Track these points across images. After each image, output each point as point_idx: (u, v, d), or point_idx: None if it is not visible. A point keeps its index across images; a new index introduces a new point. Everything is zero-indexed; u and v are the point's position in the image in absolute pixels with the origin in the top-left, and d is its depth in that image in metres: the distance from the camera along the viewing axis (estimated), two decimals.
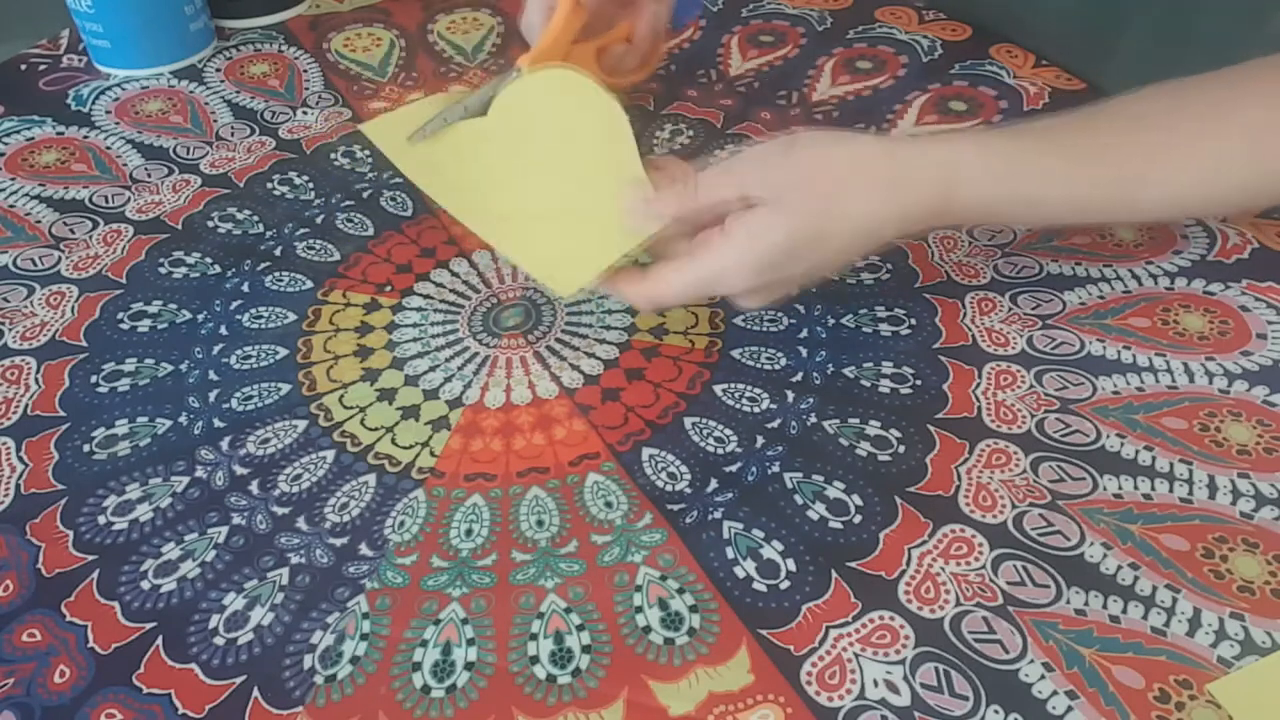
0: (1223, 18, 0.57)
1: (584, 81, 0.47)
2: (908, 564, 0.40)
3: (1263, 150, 0.45)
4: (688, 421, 0.46)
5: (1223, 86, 0.45)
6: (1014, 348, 0.49)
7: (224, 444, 0.46)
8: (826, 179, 0.43)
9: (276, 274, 0.55)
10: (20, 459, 0.45)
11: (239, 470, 0.45)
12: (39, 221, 0.58)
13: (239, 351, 0.50)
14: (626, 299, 0.46)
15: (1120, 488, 0.43)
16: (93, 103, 0.67)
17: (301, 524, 0.43)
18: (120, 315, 0.52)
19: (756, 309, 0.48)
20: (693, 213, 0.44)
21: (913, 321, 0.51)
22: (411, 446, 0.46)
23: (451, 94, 0.55)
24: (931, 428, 0.46)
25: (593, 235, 0.46)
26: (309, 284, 0.54)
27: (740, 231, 0.42)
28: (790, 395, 0.47)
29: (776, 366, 0.49)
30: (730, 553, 0.41)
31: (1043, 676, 0.37)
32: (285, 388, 0.49)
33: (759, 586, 0.40)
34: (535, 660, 0.38)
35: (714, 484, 0.44)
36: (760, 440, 0.46)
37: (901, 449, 0.45)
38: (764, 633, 0.38)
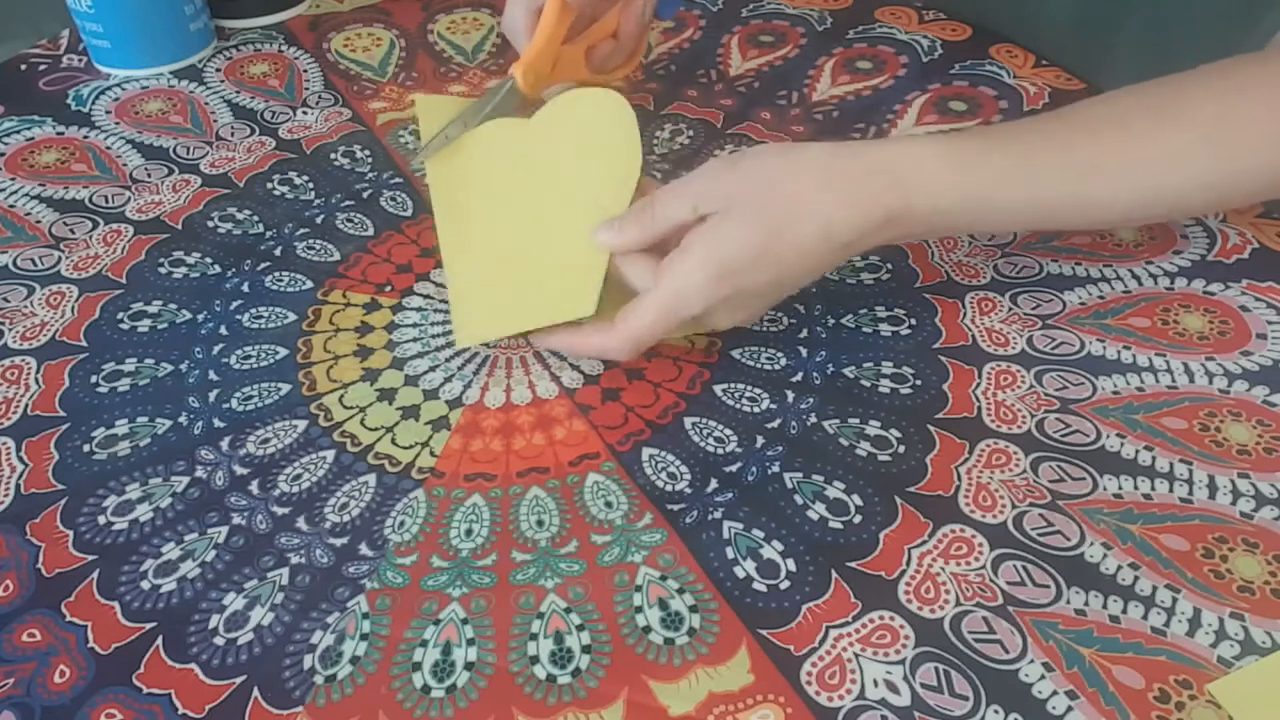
0: (1220, 18, 0.57)
1: (625, 116, 0.47)
2: (908, 564, 0.40)
3: (1221, 143, 0.44)
4: (688, 421, 0.46)
5: (1177, 86, 0.45)
6: (1014, 348, 0.49)
7: (224, 444, 0.46)
8: (776, 183, 0.43)
9: (276, 274, 0.55)
10: (20, 459, 0.45)
11: (239, 470, 0.45)
12: (39, 221, 0.58)
13: (239, 351, 0.50)
14: (602, 352, 0.46)
15: (1120, 488, 0.43)
16: (93, 103, 0.67)
17: (301, 524, 0.43)
18: (120, 315, 0.52)
19: (735, 325, 0.47)
20: (653, 238, 0.45)
21: (913, 321, 0.51)
22: (411, 446, 0.46)
23: (475, 101, 0.54)
24: (931, 428, 0.46)
25: (528, 295, 0.47)
26: (309, 284, 0.54)
27: (696, 244, 0.43)
28: (790, 395, 0.47)
29: (776, 366, 0.49)
30: (730, 553, 0.41)
31: (1043, 676, 0.37)
32: (285, 388, 0.49)
33: (759, 586, 0.40)
34: (535, 660, 0.38)
35: (714, 484, 0.44)
36: (760, 440, 0.46)
37: (901, 449, 0.45)
38: (764, 633, 0.38)
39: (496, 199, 0.50)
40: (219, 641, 0.38)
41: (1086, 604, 0.39)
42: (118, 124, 0.66)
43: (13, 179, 0.61)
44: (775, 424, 0.46)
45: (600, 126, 0.48)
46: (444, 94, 0.68)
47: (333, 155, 0.63)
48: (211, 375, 0.49)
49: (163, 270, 0.55)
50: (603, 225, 0.46)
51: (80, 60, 0.71)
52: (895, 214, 0.43)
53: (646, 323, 0.44)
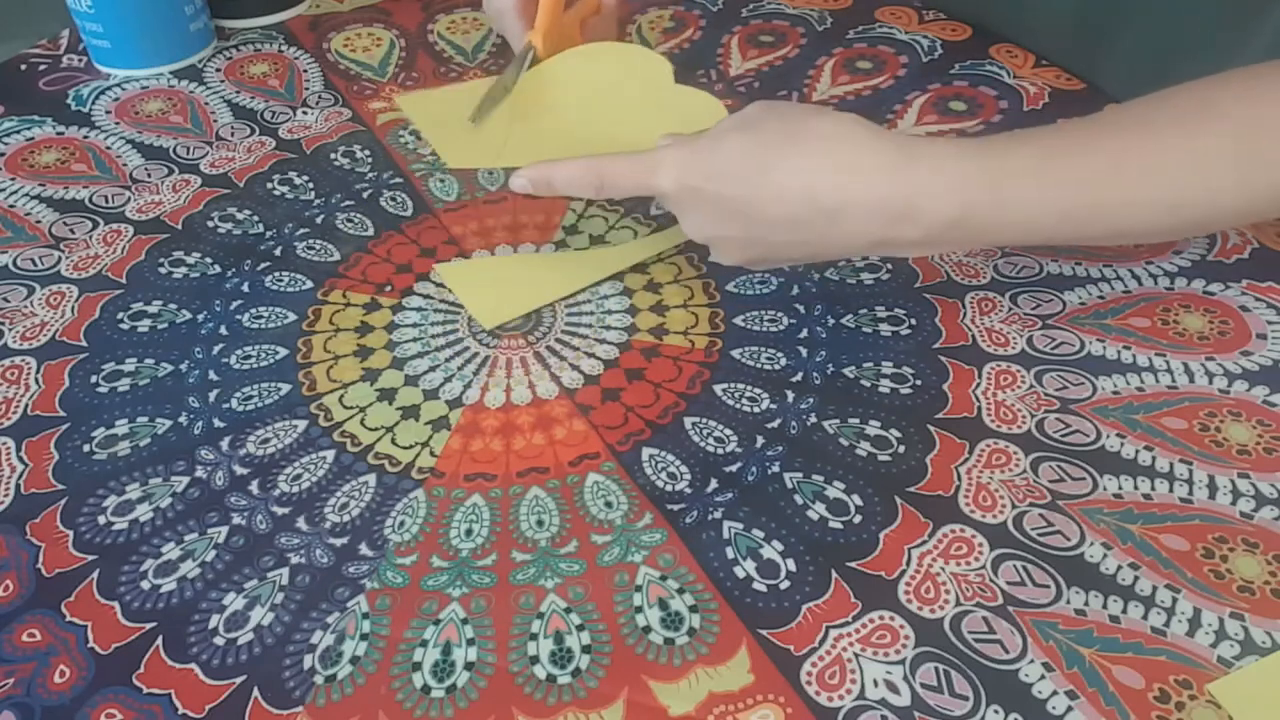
0: (1222, 17, 0.57)
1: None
2: (908, 564, 0.40)
3: (1250, 147, 0.42)
4: (688, 421, 0.46)
5: (1205, 89, 0.43)
6: (1014, 348, 0.49)
7: (224, 444, 0.46)
8: (792, 118, 0.45)
9: (276, 274, 0.55)
10: (20, 459, 0.45)
11: (239, 470, 0.45)
12: (39, 221, 0.58)
13: (239, 351, 0.50)
14: (568, 180, 0.48)
15: (1120, 488, 0.43)
16: (93, 103, 0.67)
17: (301, 524, 0.43)
18: (120, 315, 0.52)
19: (700, 240, 0.48)
20: None
21: (913, 321, 0.51)
22: (411, 446, 0.46)
23: (484, 81, 0.62)
24: (931, 428, 0.46)
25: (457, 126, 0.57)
26: (309, 284, 0.54)
27: (702, 135, 0.46)
28: (790, 395, 0.47)
29: (776, 366, 0.49)
30: (730, 553, 0.41)
31: (1043, 676, 0.37)
32: (285, 388, 0.49)
33: (759, 586, 0.40)
34: (535, 660, 0.38)
35: (714, 484, 0.44)
36: (760, 440, 0.46)
37: (901, 449, 0.45)
38: (764, 633, 0.38)
39: (557, 105, 0.57)
40: (219, 641, 0.38)
41: (1086, 604, 0.39)
42: (118, 124, 0.66)
43: (13, 179, 0.61)
44: (775, 424, 0.46)
45: (695, 117, 0.54)
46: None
47: (333, 155, 0.63)
48: (211, 375, 0.49)
49: (163, 270, 0.55)
50: (665, 137, 0.48)
51: (80, 60, 0.71)
52: (896, 204, 0.42)
53: (618, 164, 0.46)
